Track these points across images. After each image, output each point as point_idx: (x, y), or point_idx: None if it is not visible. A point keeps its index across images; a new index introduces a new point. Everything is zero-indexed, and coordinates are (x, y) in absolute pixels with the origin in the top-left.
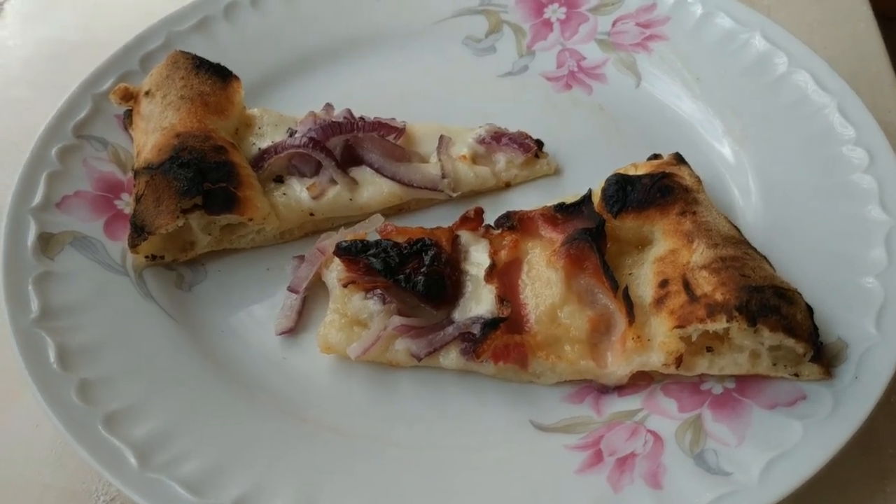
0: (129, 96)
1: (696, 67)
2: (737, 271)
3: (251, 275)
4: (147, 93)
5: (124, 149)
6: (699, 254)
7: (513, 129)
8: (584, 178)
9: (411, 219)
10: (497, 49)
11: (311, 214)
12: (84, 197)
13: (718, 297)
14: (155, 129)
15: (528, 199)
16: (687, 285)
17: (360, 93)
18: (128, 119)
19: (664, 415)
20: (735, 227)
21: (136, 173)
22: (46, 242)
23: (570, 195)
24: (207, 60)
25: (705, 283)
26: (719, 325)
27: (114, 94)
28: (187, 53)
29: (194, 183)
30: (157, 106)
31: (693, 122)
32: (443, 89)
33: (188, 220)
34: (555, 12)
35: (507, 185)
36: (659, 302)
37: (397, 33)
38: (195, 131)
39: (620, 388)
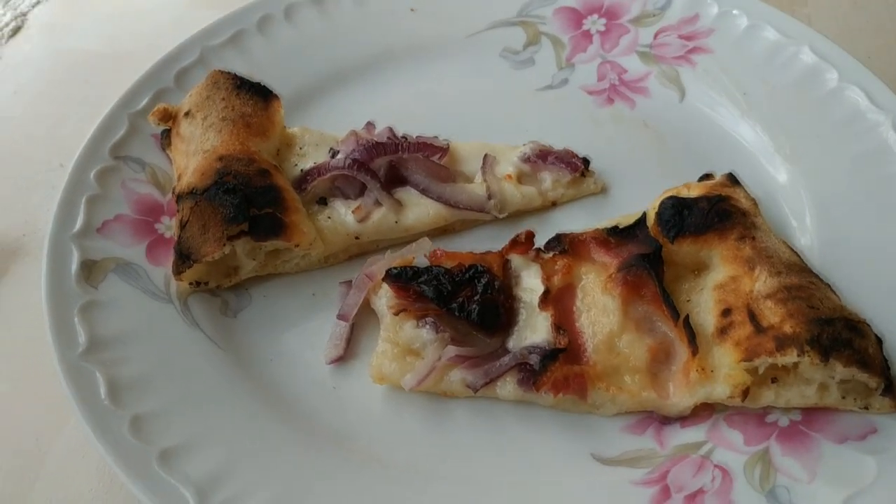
0: (169, 117)
1: (742, 82)
2: (804, 302)
3: (297, 300)
4: (187, 113)
5: (162, 169)
6: (762, 282)
7: (555, 145)
8: (630, 198)
9: (456, 240)
10: (536, 62)
11: (357, 238)
12: (125, 221)
13: (787, 329)
14: (196, 151)
15: (575, 219)
16: (752, 315)
17: (397, 108)
18: (165, 139)
19: (730, 448)
20: (795, 252)
21: (179, 198)
22: (90, 270)
23: (618, 215)
24: (248, 80)
25: (772, 314)
26: (790, 358)
27: (153, 115)
28: (227, 73)
29: (241, 209)
30: (198, 127)
31: (741, 139)
32: (481, 104)
33: (234, 247)
34: (594, 24)
35: (553, 205)
36: (722, 332)
37: (433, 46)
38: (238, 154)
39: (683, 419)
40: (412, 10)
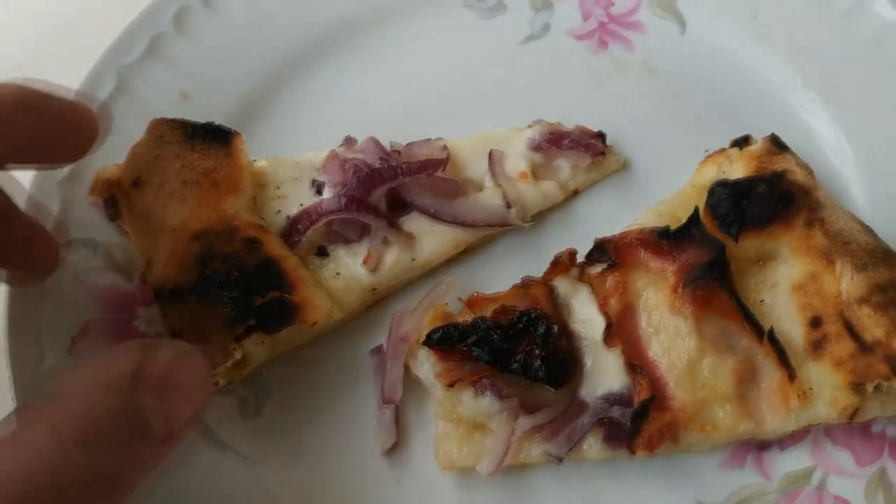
0: (112, 186)
1: (749, 2)
2: None
3: (322, 378)
4: (136, 182)
5: (116, 245)
6: (848, 280)
7: (552, 113)
8: (655, 167)
9: (477, 260)
10: (507, 5)
11: (374, 290)
12: (97, 330)
13: None
14: (161, 229)
15: (601, 207)
16: (850, 327)
17: (364, 102)
18: (112, 210)
19: (843, 473)
20: (868, 229)
21: (159, 297)
22: None
23: (647, 192)
24: (198, 125)
25: (873, 326)
26: None
27: (93, 191)
28: (170, 121)
29: (243, 305)
30: (157, 198)
31: (761, 73)
32: (459, 75)
33: (244, 347)
34: None
35: (575, 193)
36: (816, 346)
37: (385, 10)
38: (215, 226)
39: (781, 441)
40: None
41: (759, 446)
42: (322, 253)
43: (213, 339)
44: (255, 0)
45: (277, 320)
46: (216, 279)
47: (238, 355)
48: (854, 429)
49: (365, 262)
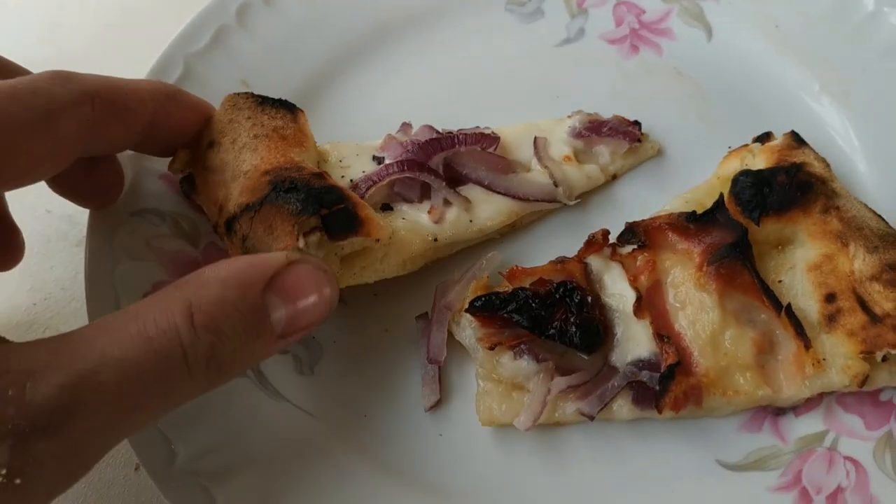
0: (190, 159)
1: (772, 13)
2: None
3: (370, 340)
4: (210, 143)
5: (184, 215)
6: (861, 260)
7: (592, 108)
8: (685, 156)
9: (525, 236)
10: (545, 11)
11: (435, 239)
12: None
13: None
14: (234, 176)
15: (637, 190)
16: (862, 302)
17: (413, 95)
18: (188, 186)
19: (853, 435)
20: (878, 215)
21: (230, 221)
22: None
23: (678, 178)
24: (268, 97)
25: (883, 300)
26: None
27: (174, 165)
28: (244, 93)
29: (308, 203)
30: (229, 153)
31: (782, 78)
32: (501, 73)
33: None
34: None
35: (614, 177)
36: (830, 319)
37: (432, 10)
38: (285, 164)
39: (795, 408)
40: None
41: (776, 412)
42: (387, 208)
43: (279, 229)
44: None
45: (342, 228)
46: (284, 187)
47: (301, 244)
48: (864, 396)
49: (429, 213)
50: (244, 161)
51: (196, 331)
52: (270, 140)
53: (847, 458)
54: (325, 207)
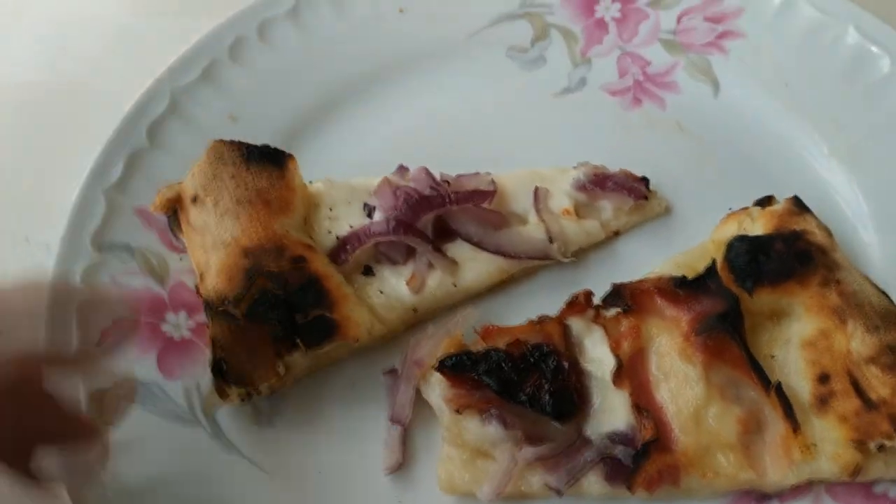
0: (174, 203)
1: (783, 70)
2: None
3: (335, 395)
4: (195, 199)
5: (152, 251)
6: (858, 340)
7: (586, 157)
8: (691, 215)
9: (514, 291)
10: (547, 59)
11: (415, 310)
12: (126, 328)
13: None
14: (215, 244)
15: (640, 248)
16: (856, 385)
17: (408, 134)
18: (176, 226)
19: None
20: (883, 292)
21: (208, 308)
22: (100, 403)
23: (680, 237)
24: (255, 147)
25: (880, 385)
26: None
27: (157, 207)
28: (230, 143)
29: (287, 325)
30: (211, 215)
31: (789, 139)
32: (499, 119)
33: (287, 362)
34: (608, 10)
35: (616, 234)
36: (822, 402)
37: (430, 52)
38: (265, 244)
39: (782, 495)
40: (401, 10)
41: (760, 498)
42: (368, 272)
43: (259, 355)
44: (307, 36)
45: (319, 337)
46: (264, 301)
47: (282, 371)
48: (856, 487)
49: (409, 283)
50: (226, 229)
51: None
52: (253, 207)
53: None
54: (301, 314)
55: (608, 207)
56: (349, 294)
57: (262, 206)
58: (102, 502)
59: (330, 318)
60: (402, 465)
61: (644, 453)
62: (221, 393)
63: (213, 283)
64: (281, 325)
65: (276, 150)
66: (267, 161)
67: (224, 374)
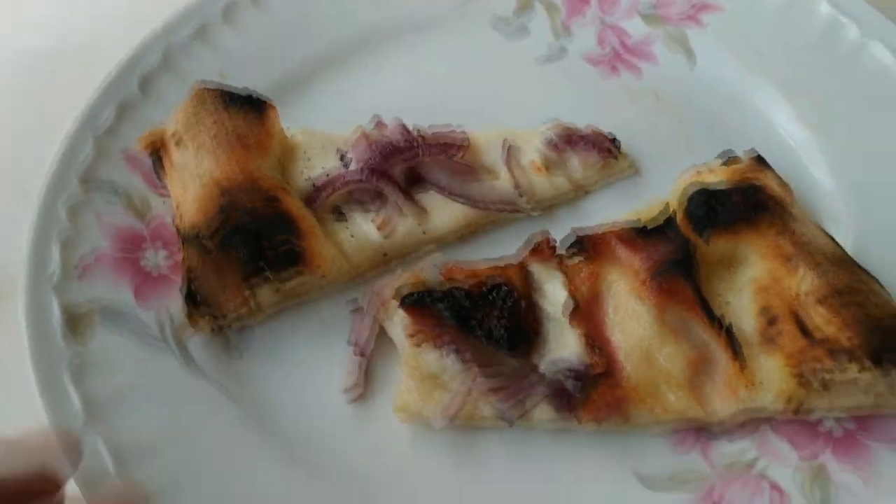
0: (158, 144)
1: (756, 42)
2: (858, 308)
3: (305, 330)
4: (178, 141)
5: (137, 190)
6: (808, 282)
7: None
8: (659, 176)
9: (483, 241)
10: (530, 30)
11: (385, 254)
12: (106, 261)
13: (844, 341)
14: (192, 178)
15: (606, 205)
16: (803, 326)
17: (393, 94)
18: (160, 168)
19: (784, 463)
20: (835, 241)
21: (184, 239)
22: (75, 324)
23: (649, 197)
24: (237, 93)
25: (825, 324)
26: (850, 374)
27: (142, 147)
28: (213, 88)
29: (255, 252)
30: (190, 154)
31: (761, 106)
32: (482, 83)
33: (257, 292)
34: None
35: (586, 192)
36: (769, 341)
37: (419, 21)
38: (240, 181)
39: (729, 432)
40: None
41: (707, 434)
42: (340, 217)
43: (229, 280)
44: (298, 2)
45: (286, 264)
46: (234, 227)
47: (251, 302)
48: (800, 425)
49: (379, 228)
50: (202, 165)
51: None
52: (231, 147)
53: (774, 486)
54: (268, 241)
55: (577, 164)
56: (318, 233)
57: (241, 149)
58: (71, 414)
59: (297, 247)
60: (365, 395)
61: (594, 384)
62: (193, 321)
63: (189, 215)
64: (249, 254)
65: (257, 97)
66: (248, 107)
67: (196, 302)
